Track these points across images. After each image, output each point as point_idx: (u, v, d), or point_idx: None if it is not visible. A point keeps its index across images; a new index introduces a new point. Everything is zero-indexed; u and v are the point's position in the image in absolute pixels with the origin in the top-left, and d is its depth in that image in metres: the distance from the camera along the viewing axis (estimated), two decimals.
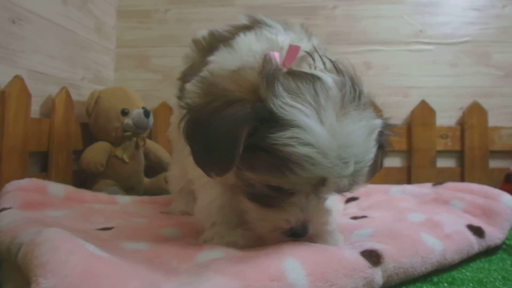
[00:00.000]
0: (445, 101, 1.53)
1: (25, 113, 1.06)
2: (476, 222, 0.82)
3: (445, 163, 1.54)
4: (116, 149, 1.31)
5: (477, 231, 0.78)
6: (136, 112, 1.31)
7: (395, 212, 0.90)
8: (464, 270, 0.70)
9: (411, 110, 1.52)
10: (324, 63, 0.63)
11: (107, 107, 1.31)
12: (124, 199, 1.10)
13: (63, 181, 1.21)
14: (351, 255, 0.60)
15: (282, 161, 0.51)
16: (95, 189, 1.23)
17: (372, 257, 0.61)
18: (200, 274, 0.50)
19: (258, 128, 0.52)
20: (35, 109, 1.17)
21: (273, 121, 0.51)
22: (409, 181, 1.49)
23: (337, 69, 0.60)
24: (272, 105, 0.51)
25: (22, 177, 1.02)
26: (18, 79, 1.03)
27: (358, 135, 0.53)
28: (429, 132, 1.50)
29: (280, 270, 0.52)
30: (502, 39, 1.53)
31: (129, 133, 1.31)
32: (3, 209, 0.80)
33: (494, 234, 0.80)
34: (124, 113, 1.31)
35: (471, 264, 0.73)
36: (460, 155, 1.54)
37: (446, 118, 1.53)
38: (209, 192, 0.73)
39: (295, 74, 0.56)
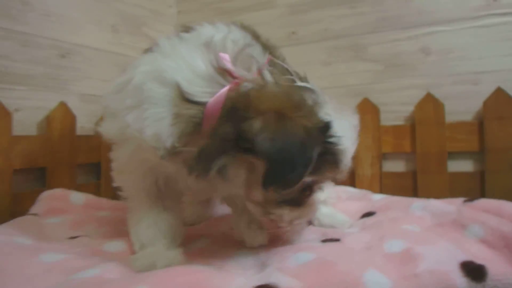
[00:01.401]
0: None
1: (70, 132, 1.25)
2: (482, 259, 0.62)
3: None
4: None
5: (474, 271, 0.60)
6: None
7: (378, 237, 0.74)
8: None
9: (483, 101, 1.20)
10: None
11: None
12: None
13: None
14: None
15: (339, 157, 0.61)
16: None
17: None
18: None
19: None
20: (89, 127, 1.38)
21: (328, 129, 0.59)
22: (482, 189, 1.19)
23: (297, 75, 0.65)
24: (323, 117, 0.59)
25: (69, 185, 1.23)
26: (61, 104, 1.23)
27: None
28: (508, 127, 1.16)
29: None
30: None
31: None
32: (31, 214, 0.99)
33: (505, 275, 0.59)
34: None
35: None
36: None
37: None
38: (135, 212, 0.76)
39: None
